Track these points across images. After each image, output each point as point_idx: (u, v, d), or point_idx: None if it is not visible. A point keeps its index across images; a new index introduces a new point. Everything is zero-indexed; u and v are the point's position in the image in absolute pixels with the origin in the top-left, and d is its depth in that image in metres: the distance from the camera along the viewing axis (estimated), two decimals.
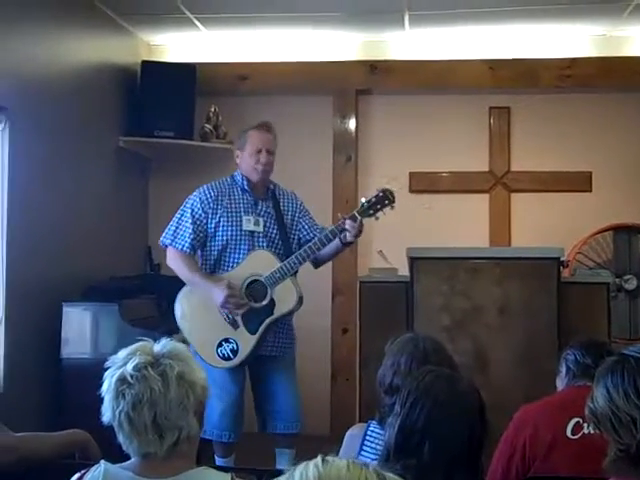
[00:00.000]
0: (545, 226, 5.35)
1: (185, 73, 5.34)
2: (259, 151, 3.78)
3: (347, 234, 3.60)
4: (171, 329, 4.25)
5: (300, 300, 3.72)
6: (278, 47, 5.66)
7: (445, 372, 1.99)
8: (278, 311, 3.69)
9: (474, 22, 5.27)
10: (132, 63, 5.41)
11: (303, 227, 3.87)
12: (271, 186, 3.89)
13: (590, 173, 5.51)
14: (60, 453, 2.32)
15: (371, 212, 3.62)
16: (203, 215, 3.76)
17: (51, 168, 4.33)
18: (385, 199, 3.61)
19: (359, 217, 3.59)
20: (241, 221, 3.76)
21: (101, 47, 5.10)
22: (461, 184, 5.60)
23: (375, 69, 5.60)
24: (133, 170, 5.50)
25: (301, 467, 1.18)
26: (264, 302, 3.68)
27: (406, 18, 5.17)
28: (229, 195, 3.80)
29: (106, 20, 5.11)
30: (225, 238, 3.75)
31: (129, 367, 1.85)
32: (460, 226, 5.47)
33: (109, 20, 5.14)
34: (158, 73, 5.31)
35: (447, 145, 5.61)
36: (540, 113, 5.59)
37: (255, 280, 3.69)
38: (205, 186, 3.83)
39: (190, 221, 3.75)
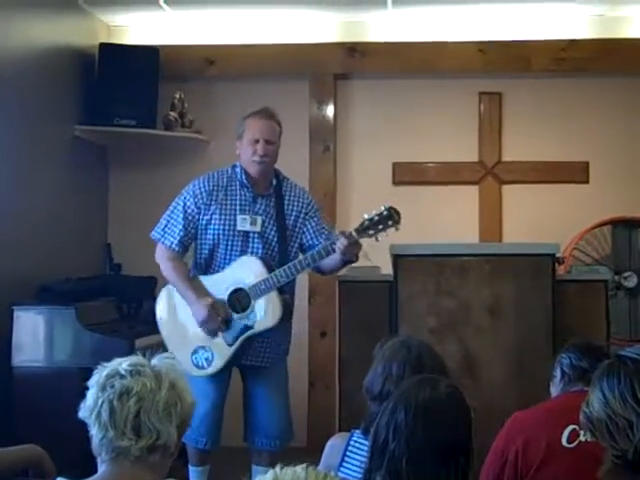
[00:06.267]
0: (539, 220, 5.37)
1: (147, 56, 5.32)
2: (256, 141, 3.71)
3: (341, 253, 3.51)
4: (134, 334, 4.25)
5: (283, 317, 3.69)
6: (249, 28, 5.63)
7: (427, 376, 1.99)
8: (259, 326, 3.68)
9: (463, 1, 5.27)
10: (89, 46, 5.37)
11: (308, 231, 3.80)
12: (274, 181, 3.80)
13: (587, 163, 5.54)
14: (11, 470, 2.30)
15: (371, 232, 3.48)
16: (195, 210, 3.74)
17: None
18: (389, 219, 3.46)
19: (355, 236, 3.47)
20: (235, 220, 3.72)
21: (55, 28, 5.05)
22: (448, 175, 5.61)
23: (355, 52, 5.59)
24: (91, 161, 5.47)
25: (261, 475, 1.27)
26: (245, 315, 3.67)
27: None
28: (226, 189, 3.76)
29: None
30: (216, 237, 3.72)
31: (124, 364, 1.92)
32: (447, 221, 5.48)
33: None
34: (118, 57, 5.28)
35: (433, 134, 5.61)
36: (534, 99, 5.61)
37: (240, 288, 3.67)
38: (201, 177, 3.80)
39: (182, 216, 3.73)
